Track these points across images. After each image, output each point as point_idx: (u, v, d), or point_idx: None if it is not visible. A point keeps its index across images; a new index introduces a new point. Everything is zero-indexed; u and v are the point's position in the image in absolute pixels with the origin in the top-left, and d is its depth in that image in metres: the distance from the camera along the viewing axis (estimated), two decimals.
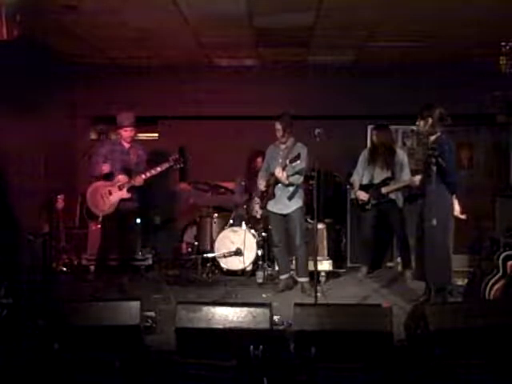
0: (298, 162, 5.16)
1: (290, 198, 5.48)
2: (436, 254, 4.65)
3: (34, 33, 5.41)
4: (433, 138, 4.82)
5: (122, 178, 5.52)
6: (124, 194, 5.51)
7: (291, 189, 5.46)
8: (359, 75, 7.22)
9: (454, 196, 4.82)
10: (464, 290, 5.16)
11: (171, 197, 7.63)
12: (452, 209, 4.82)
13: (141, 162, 5.66)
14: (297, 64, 7.29)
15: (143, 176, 5.49)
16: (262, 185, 5.67)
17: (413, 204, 5.58)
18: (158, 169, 5.51)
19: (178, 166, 5.63)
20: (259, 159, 6.61)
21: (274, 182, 5.50)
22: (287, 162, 5.23)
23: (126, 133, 5.56)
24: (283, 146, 5.53)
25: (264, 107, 7.19)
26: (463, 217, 4.97)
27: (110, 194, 5.50)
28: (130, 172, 5.56)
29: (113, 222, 5.56)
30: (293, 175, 5.38)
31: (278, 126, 5.44)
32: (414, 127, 5.13)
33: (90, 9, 5.05)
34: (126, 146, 5.62)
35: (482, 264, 4.99)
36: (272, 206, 5.62)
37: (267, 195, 5.61)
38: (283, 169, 5.30)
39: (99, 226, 5.91)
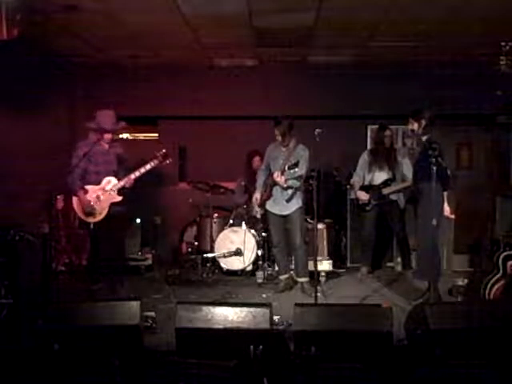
0: (296, 169, 5.18)
1: (289, 200, 5.48)
2: (434, 252, 4.69)
3: (34, 33, 5.40)
4: (425, 138, 5.04)
5: (110, 180, 5.31)
6: (115, 197, 5.30)
7: (290, 191, 5.46)
8: (359, 75, 7.21)
9: (446, 194, 4.94)
10: (464, 290, 5.17)
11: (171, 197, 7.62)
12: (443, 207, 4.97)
13: (122, 162, 5.46)
14: (297, 64, 7.29)
15: (132, 176, 5.28)
16: (256, 206, 5.71)
17: (413, 204, 5.59)
18: (148, 166, 5.30)
19: (167, 161, 5.43)
20: (257, 158, 6.62)
21: (272, 183, 5.51)
22: (286, 167, 5.24)
23: (108, 135, 5.30)
24: (284, 148, 5.53)
25: (264, 107, 7.20)
26: (452, 216, 5.14)
27: (99, 199, 5.27)
28: (115, 173, 5.37)
29: (102, 227, 5.33)
30: (291, 179, 5.38)
31: (277, 132, 5.45)
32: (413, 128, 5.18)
33: (90, 9, 5.05)
34: (106, 146, 5.36)
35: (482, 264, 5.02)
36: (271, 207, 5.62)
37: (265, 196, 5.62)
38: (281, 173, 5.30)
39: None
